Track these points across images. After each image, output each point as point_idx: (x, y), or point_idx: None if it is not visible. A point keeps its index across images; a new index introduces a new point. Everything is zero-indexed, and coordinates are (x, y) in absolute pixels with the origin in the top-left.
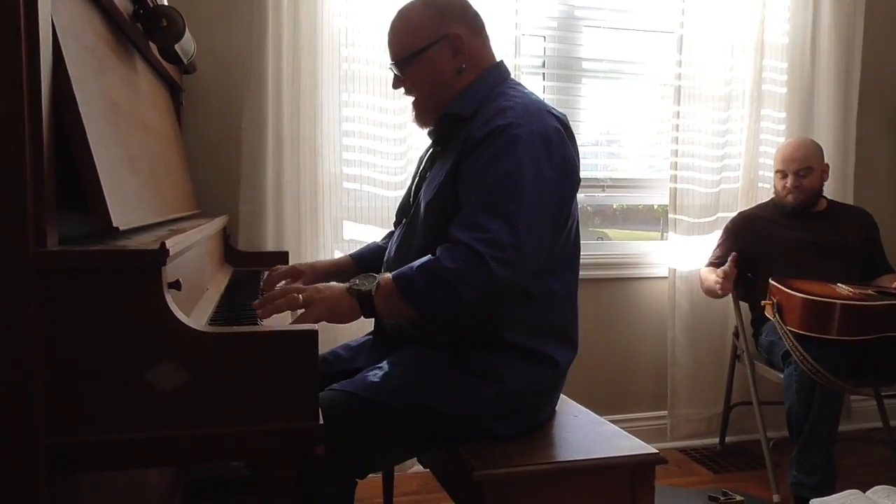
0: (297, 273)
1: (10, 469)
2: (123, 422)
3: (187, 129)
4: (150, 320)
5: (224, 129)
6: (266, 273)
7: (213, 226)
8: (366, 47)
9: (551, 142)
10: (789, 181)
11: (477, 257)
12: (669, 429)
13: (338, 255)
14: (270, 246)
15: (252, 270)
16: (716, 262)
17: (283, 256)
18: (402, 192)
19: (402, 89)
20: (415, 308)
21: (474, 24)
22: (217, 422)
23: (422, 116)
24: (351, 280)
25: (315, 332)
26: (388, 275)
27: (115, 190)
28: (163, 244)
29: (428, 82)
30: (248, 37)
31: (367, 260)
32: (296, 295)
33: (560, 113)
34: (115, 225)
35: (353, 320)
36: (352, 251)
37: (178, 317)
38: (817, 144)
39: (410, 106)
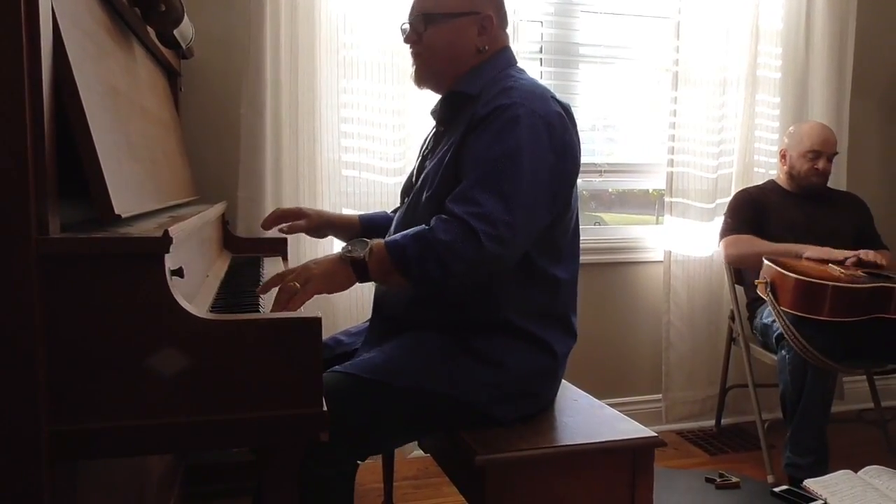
0: (302, 214)
1: (14, 455)
2: (127, 409)
3: (185, 115)
4: (153, 308)
5: (222, 115)
6: (267, 261)
7: (213, 212)
8: (364, 33)
9: (553, 125)
10: (821, 163)
11: (470, 232)
12: (664, 411)
13: (336, 242)
14: (269, 232)
15: (251, 256)
16: (737, 229)
17: (281, 243)
18: (401, 179)
19: (401, 80)
20: (405, 276)
21: (503, 15)
22: (221, 409)
23: (422, 76)
24: (344, 247)
25: (319, 319)
26: (381, 241)
27: (116, 177)
28: (166, 232)
29: (446, 49)
30: (245, 22)
31: (374, 226)
32: (292, 283)
33: (563, 101)
34: (117, 212)
35: (350, 286)
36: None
37: (182, 304)
38: None
39: (410, 92)
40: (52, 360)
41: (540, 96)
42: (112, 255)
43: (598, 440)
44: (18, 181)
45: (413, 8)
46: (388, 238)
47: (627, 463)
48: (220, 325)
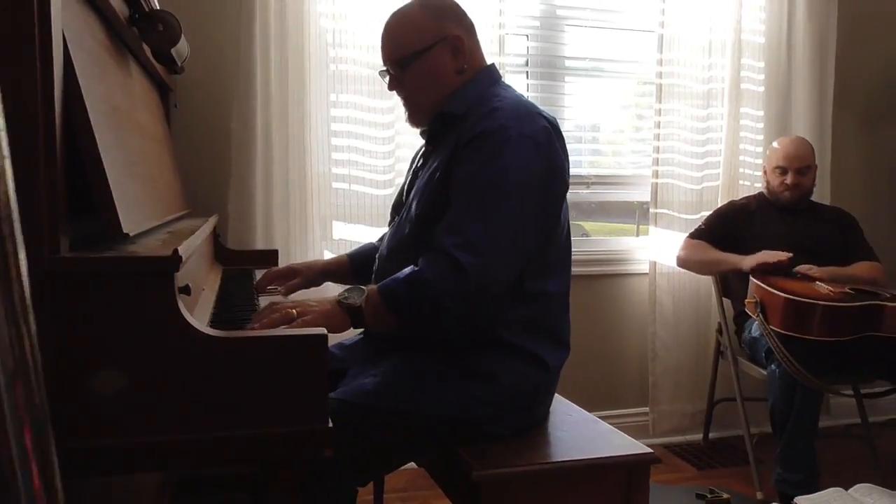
0: (293, 272)
1: None
2: (136, 427)
3: (176, 129)
4: (162, 325)
5: (213, 129)
6: (259, 273)
7: (208, 227)
8: (353, 48)
9: (540, 143)
10: (790, 178)
11: (456, 266)
12: (651, 425)
13: (328, 254)
14: (260, 244)
15: (243, 269)
16: (698, 235)
17: (272, 255)
18: (391, 191)
19: (392, 92)
20: (400, 318)
21: (469, 26)
22: (227, 425)
23: (416, 116)
24: (340, 293)
25: (325, 335)
26: (375, 287)
27: (123, 195)
28: (175, 251)
29: (429, 83)
30: (235, 37)
31: (364, 260)
32: (290, 310)
33: (550, 115)
34: (125, 231)
35: (345, 330)
36: (342, 250)
37: (190, 322)
38: (811, 144)
39: (399, 105)
40: (61, 378)
41: (526, 114)
42: (122, 274)
43: (594, 456)
44: (30, 200)
45: (384, 57)
46: (381, 283)
47: (623, 479)
48: (228, 341)
